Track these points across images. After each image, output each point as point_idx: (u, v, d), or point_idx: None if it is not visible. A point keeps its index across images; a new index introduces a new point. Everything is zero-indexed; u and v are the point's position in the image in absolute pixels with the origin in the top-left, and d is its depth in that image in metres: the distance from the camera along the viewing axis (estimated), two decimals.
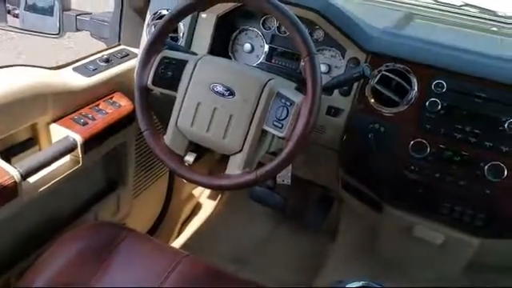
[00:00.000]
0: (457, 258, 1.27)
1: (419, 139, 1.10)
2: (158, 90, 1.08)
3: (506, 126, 1.04)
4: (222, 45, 1.33)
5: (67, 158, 1.23)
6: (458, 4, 1.58)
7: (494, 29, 1.44)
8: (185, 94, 1.03)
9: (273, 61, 1.29)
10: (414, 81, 1.11)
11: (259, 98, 0.97)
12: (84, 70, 1.33)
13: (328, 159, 1.26)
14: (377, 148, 1.12)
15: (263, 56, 1.30)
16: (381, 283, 1.02)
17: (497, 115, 1.05)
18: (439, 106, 1.08)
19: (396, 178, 1.13)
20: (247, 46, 1.31)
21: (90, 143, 1.24)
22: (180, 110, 1.03)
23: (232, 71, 1.02)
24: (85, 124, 1.25)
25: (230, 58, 1.34)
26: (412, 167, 1.11)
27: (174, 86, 1.04)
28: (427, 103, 1.09)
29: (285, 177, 1.24)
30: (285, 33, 1.27)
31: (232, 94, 0.99)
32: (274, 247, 1.88)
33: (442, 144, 1.09)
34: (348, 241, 1.78)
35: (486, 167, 1.05)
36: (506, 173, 1.04)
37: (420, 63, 1.11)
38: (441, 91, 1.09)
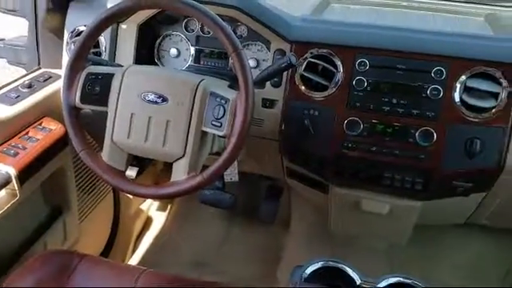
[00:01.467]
0: (403, 223, 1.34)
1: (352, 117, 1.14)
2: (87, 108, 1.05)
3: (428, 92, 1.10)
4: (148, 53, 1.31)
5: (3, 192, 1.17)
6: None
7: (405, 4, 1.52)
8: (116, 107, 1.01)
9: (201, 62, 1.30)
10: (339, 63, 1.15)
11: (193, 100, 0.97)
12: (5, 99, 1.27)
13: (270, 150, 1.28)
14: (314, 132, 1.15)
15: (191, 59, 1.30)
16: (339, 260, 1.06)
17: (419, 84, 1.11)
18: (365, 84, 1.13)
19: (336, 158, 1.17)
20: (173, 51, 1.30)
21: (25, 174, 1.19)
22: (114, 124, 1.01)
23: (161, 78, 1.01)
24: (16, 154, 1.19)
25: (157, 65, 1.32)
26: (349, 145, 1.15)
27: (103, 101, 1.02)
28: (354, 82, 1.14)
29: (232, 174, 1.25)
30: (209, 33, 1.28)
31: (165, 100, 0.98)
32: (231, 245, 1.88)
33: (374, 119, 1.14)
34: (302, 226, 1.82)
35: (417, 134, 1.12)
36: (435, 136, 1.11)
37: (341, 45, 1.15)
38: (364, 69, 1.14)
